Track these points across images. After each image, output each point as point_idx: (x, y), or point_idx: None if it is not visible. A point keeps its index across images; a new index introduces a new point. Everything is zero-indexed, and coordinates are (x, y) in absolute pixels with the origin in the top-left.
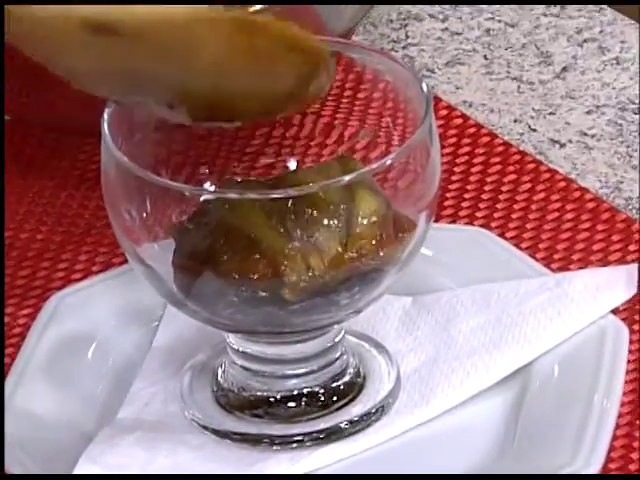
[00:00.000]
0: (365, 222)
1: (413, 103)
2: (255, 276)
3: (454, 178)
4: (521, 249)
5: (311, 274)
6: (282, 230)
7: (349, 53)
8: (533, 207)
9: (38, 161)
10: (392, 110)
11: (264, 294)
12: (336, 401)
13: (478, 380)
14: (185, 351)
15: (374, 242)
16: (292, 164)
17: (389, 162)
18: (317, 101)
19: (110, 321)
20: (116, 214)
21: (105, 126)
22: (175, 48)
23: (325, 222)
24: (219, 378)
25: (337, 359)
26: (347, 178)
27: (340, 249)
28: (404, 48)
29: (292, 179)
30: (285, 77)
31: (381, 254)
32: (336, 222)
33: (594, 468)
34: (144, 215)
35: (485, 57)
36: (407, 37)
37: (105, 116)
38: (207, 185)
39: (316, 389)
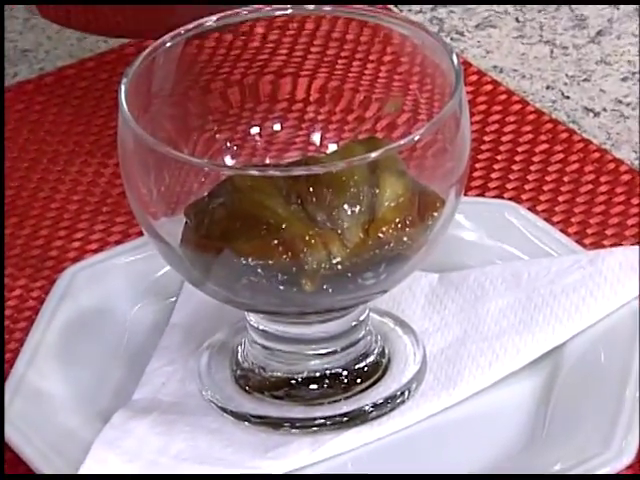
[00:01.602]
0: (389, 206)
1: (442, 69)
2: (272, 262)
3: (483, 148)
4: (552, 224)
5: (332, 262)
6: (302, 214)
7: (376, 21)
8: (565, 179)
9: (51, 127)
10: (419, 76)
11: (283, 277)
12: (359, 383)
13: (507, 362)
14: (204, 329)
15: (398, 226)
16: (316, 135)
17: (417, 138)
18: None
19: (126, 296)
20: (132, 186)
21: (122, 96)
22: None
23: (347, 206)
24: (239, 357)
25: (361, 339)
26: (373, 155)
27: (362, 235)
28: (432, 10)
29: (313, 162)
30: None
31: (405, 238)
32: (359, 206)
33: (628, 457)
34: (162, 189)
35: (517, 20)
36: None
37: (122, 86)
38: (227, 159)
39: (339, 370)
